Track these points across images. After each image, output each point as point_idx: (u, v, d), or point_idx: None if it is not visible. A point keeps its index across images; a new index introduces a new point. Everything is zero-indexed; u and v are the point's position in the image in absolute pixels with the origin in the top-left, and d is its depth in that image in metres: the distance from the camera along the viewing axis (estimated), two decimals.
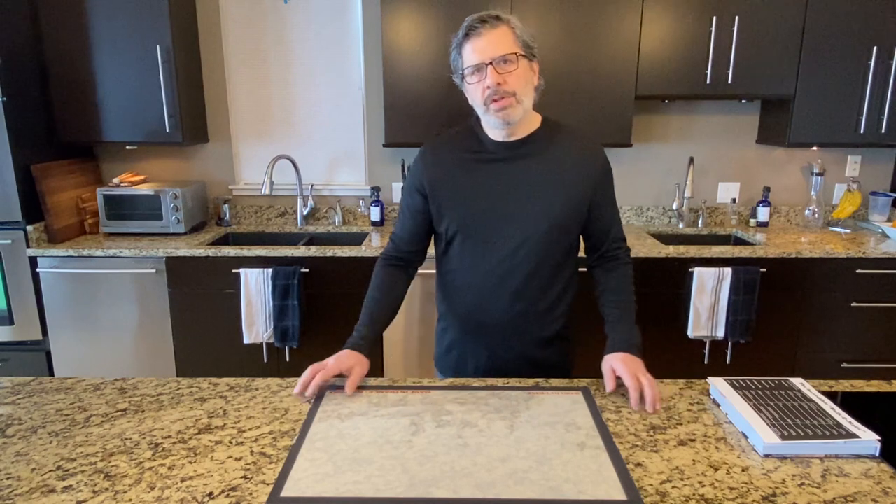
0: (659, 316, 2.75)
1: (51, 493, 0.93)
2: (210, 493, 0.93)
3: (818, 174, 3.14)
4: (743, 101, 3.13)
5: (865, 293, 2.72)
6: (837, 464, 1.01)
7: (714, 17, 2.72)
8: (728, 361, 2.79)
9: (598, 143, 1.45)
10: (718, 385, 1.23)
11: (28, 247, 2.71)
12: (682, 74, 2.79)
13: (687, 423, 1.15)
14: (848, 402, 1.23)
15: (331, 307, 2.75)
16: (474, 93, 1.33)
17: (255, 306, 2.70)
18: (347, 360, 1.29)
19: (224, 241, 3.09)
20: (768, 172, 3.25)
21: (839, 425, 1.07)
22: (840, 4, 2.71)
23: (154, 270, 2.72)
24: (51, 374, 2.86)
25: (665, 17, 2.74)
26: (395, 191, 3.28)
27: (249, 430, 1.12)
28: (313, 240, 3.16)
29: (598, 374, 1.34)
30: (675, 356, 2.79)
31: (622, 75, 2.79)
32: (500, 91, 1.28)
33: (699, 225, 3.25)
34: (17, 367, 2.83)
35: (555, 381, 1.33)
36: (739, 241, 3.10)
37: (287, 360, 2.81)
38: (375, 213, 3.21)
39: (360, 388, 1.29)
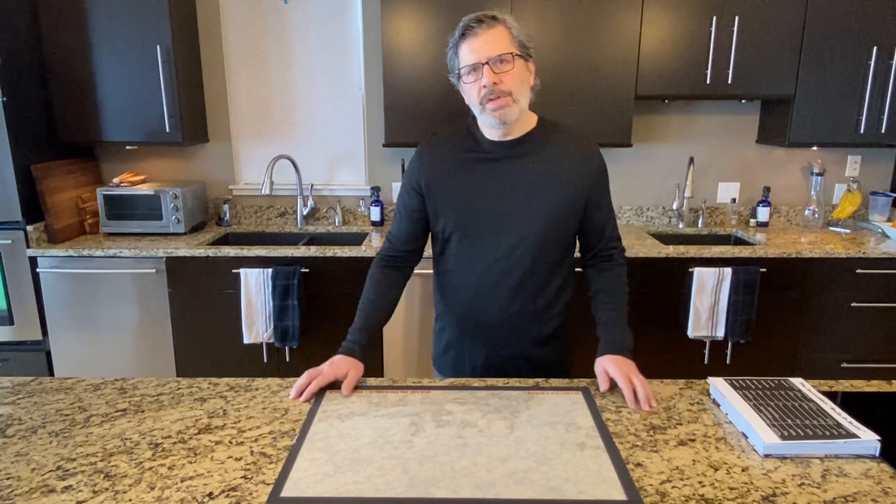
0: (659, 316, 2.75)
1: (51, 493, 0.93)
2: (210, 493, 0.93)
3: (818, 174, 3.14)
4: (743, 101, 3.13)
5: (865, 293, 2.72)
6: (837, 464, 1.01)
7: (714, 17, 2.72)
8: (728, 361, 2.79)
9: (593, 142, 1.45)
10: (718, 385, 1.23)
11: (28, 247, 2.71)
12: (682, 74, 2.79)
13: (687, 423, 1.15)
14: (848, 402, 1.23)
15: (331, 307, 2.75)
16: (470, 92, 1.34)
17: (255, 306, 2.70)
18: (342, 367, 1.29)
19: (224, 241, 3.09)
20: (768, 172, 3.25)
21: (839, 425, 1.07)
22: (840, 4, 2.71)
23: (154, 270, 2.72)
24: (51, 374, 2.86)
25: (665, 17, 2.74)
26: (395, 191, 3.28)
27: (249, 430, 1.12)
28: (313, 240, 3.16)
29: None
30: (675, 356, 2.79)
31: (622, 75, 2.79)
32: (497, 90, 1.29)
33: (699, 225, 3.25)
34: (17, 367, 2.83)
35: (555, 381, 1.33)
36: (739, 241, 3.10)
37: (287, 360, 2.81)
38: (375, 213, 3.21)
39: (360, 388, 1.29)
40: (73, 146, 3.03)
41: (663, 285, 2.72)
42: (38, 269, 2.71)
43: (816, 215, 3.17)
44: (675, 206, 3.24)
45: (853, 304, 2.72)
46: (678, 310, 2.74)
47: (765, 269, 2.67)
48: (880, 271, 2.69)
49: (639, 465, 1.01)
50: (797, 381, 1.26)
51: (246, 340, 2.73)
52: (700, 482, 0.96)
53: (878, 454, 1.03)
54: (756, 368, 2.79)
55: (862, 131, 2.83)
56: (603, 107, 2.82)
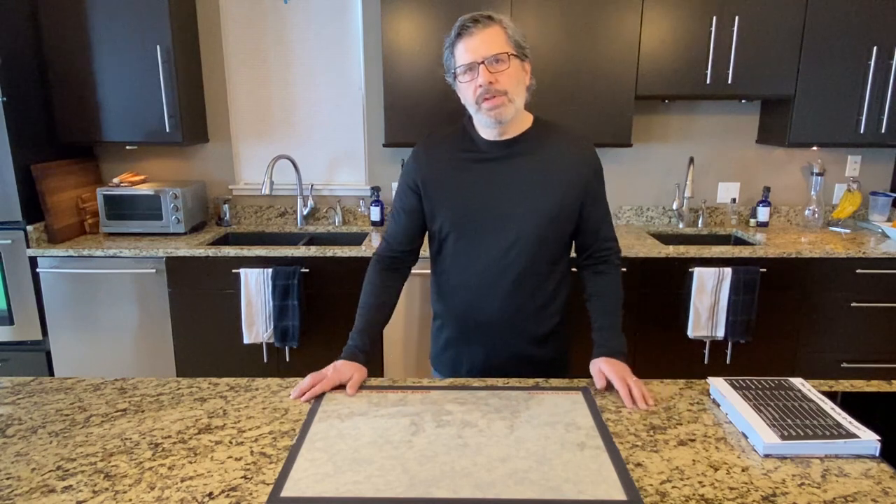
0: (659, 316, 2.75)
1: (51, 493, 0.93)
2: (210, 493, 0.93)
3: (818, 174, 3.14)
4: (743, 101, 3.13)
5: (865, 293, 2.71)
6: (837, 464, 1.01)
7: (714, 17, 2.72)
8: (728, 361, 2.79)
9: (589, 142, 1.46)
10: (718, 385, 1.23)
11: (28, 247, 2.71)
12: (682, 74, 2.79)
13: (687, 423, 1.15)
14: (848, 402, 1.23)
15: (331, 307, 2.75)
16: (466, 92, 1.34)
17: (255, 306, 2.70)
18: (346, 371, 1.29)
19: (224, 241, 3.09)
20: (768, 172, 3.25)
21: (839, 425, 1.07)
22: (840, 4, 2.71)
23: (154, 270, 2.72)
24: (51, 374, 2.86)
25: (665, 17, 2.74)
26: (395, 191, 3.28)
27: (249, 430, 1.12)
28: (313, 240, 3.16)
29: None
30: (675, 356, 2.79)
31: (622, 75, 2.79)
32: (492, 90, 1.30)
33: (699, 225, 3.25)
34: (17, 367, 2.83)
35: (555, 381, 1.33)
36: (739, 241, 3.10)
37: (287, 360, 2.81)
38: (375, 213, 3.21)
39: (361, 387, 1.29)
40: (73, 146, 3.03)
41: (663, 285, 2.72)
42: (38, 269, 2.71)
43: (816, 215, 3.17)
44: (675, 206, 3.24)
45: (853, 304, 2.72)
46: (678, 310, 2.74)
47: (765, 269, 2.66)
48: (880, 271, 2.69)
49: (639, 465, 1.01)
50: (797, 381, 1.26)
51: (246, 340, 2.73)
52: (700, 482, 0.96)
53: (878, 454, 1.03)
54: (756, 368, 2.79)
55: (862, 131, 2.83)
56: (603, 107, 2.82)
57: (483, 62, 1.28)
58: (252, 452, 1.05)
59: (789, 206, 3.27)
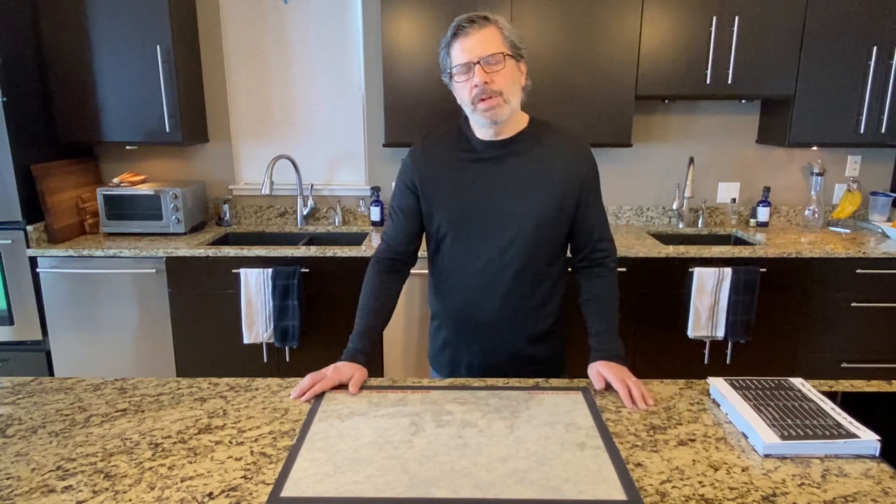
0: (659, 316, 2.75)
1: (51, 493, 0.93)
2: (210, 493, 0.93)
3: (818, 174, 3.14)
4: (743, 101, 3.13)
5: (865, 293, 2.71)
6: (837, 464, 1.01)
7: (714, 17, 2.72)
8: (728, 361, 2.79)
9: (585, 142, 1.46)
10: (718, 385, 1.23)
11: (28, 247, 2.71)
12: (682, 74, 2.79)
13: (687, 423, 1.15)
14: (848, 402, 1.23)
15: (331, 307, 2.75)
16: (462, 92, 1.34)
17: (255, 306, 2.70)
18: (346, 371, 1.29)
19: (224, 241, 3.09)
20: (768, 172, 3.25)
21: (839, 425, 1.07)
22: (840, 4, 2.71)
23: (154, 270, 2.72)
24: (51, 374, 2.86)
25: (665, 17, 2.74)
26: None
27: (249, 430, 1.12)
28: (313, 240, 3.16)
29: None
30: (675, 356, 2.79)
31: (622, 75, 2.79)
32: (488, 90, 1.30)
33: (699, 225, 3.25)
34: (17, 367, 2.83)
35: (555, 382, 1.33)
36: (739, 241, 3.10)
37: (287, 360, 2.81)
38: (375, 213, 3.21)
39: (361, 387, 1.29)
40: (73, 146, 3.03)
41: (663, 285, 2.72)
42: (38, 269, 2.71)
43: (816, 215, 3.17)
44: (675, 206, 3.24)
45: (853, 304, 2.72)
46: (678, 310, 2.74)
47: (765, 269, 2.66)
48: (880, 271, 2.69)
49: (639, 465, 1.01)
50: (797, 381, 1.26)
51: (246, 340, 2.73)
52: (700, 482, 0.96)
53: (878, 454, 1.03)
54: (756, 368, 2.79)
55: (862, 131, 2.83)
56: (603, 107, 2.82)
57: (479, 62, 1.29)
58: (252, 452, 1.05)
59: (789, 206, 3.27)
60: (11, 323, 2.77)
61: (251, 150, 3.26)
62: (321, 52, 3.13)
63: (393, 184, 3.24)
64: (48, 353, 2.83)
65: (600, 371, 1.30)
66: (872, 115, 2.81)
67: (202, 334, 2.78)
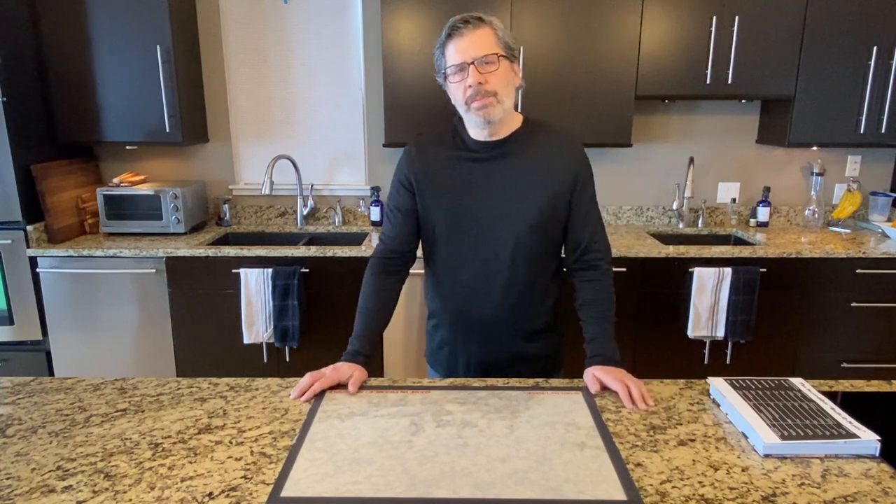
0: (659, 316, 2.75)
1: (51, 493, 0.93)
2: (210, 493, 0.93)
3: (818, 174, 3.14)
4: (743, 101, 3.13)
5: (865, 293, 2.71)
6: (837, 464, 1.01)
7: (714, 17, 2.72)
8: (728, 361, 2.79)
9: (578, 142, 1.46)
10: (718, 385, 1.23)
11: (28, 247, 2.71)
12: (682, 74, 2.79)
13: (687, 423, 1.15)
14: (848, 402, 1.23)
15: (331, 307, 2.75)
16: (456, 92, 1.35)
17: (255, 306, 2.70)
18: (345, 371, 1.30)
19: (224, 241, 3.09)
20: (768, 172, 3.25)
21: (839, 425, 1.07)
22: (840, 4, 2.71)
23: (154, 270, 2.72)
24: (51, 374, 2.86)
25: (665, 17, 2.74)
26: None
27: (249, 430, 1.12)
28: (313, 240, 3.16)
29: None
30: (675, 356, 2.79)
31: (622, 75, 2.79)
32: (482, 91, 1.31)
33: (699, 225, 3.25)
34: (17, 367, 2.83)
35: (555, 382, 1.33)
36: (739, 241, 3.10)
37: (287, 360, 2.81)
38: (375, 213, 3.21)
39: (361, 387, 1.29)
40: (73, 146, 3.03)
41: (663, 285, 2.72)
42: (38, 269, 2.71)
43: (816, 215, 3.17)
44: (675, 206, 3.24)
45: (853, 304, 2.72)
46: (678, 310, 2.74)
47: (765, 269, 2.66)
48: (880, 271, 2.69)
49: (639, 465, 1.01)
50: (797, 381, 1.26)
51: (246, 340, 2.73)
52: (700, 482, 0.96)
53: (878, 454, 1.03)
54: (756, 368, 2.79)
55: (862, 131, 2.83)
56: (603, 107, 2.82)
57: (473, 63, 1.30)
58: (252, 452, 1.05)
59: (789, 206, 3.27)
60: (11, 323, 2.77)
61: (251, 150, 3.26)
62: (321, 52, 3.13)
63: None
64: (48, 353, 2.83)
65: (596, 375, 1.30)
66: (872, 115, 2.81)
67: (202, 334, 2.78)
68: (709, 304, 2.67)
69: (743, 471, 0.99)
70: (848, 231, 3.08)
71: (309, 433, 1.10)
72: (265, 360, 2.81)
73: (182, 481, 0.96)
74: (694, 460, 1.02)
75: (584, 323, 1.43)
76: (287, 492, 0.93)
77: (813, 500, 0.92)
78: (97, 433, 1.10)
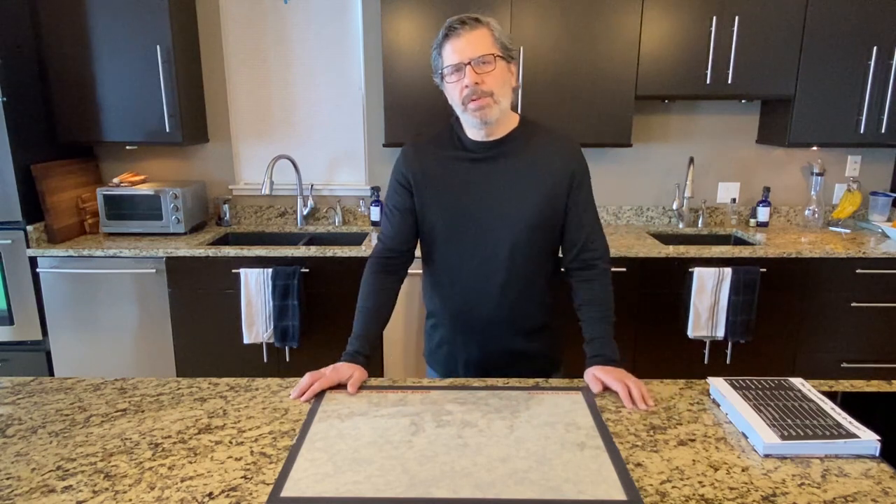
0: (659, 316, 2.75)
1: (51, 493, 0.93)
2: (210, 493, 0.93)
3: (818, 174, 3.14)
4: (743, 101, 3.13)
5: (865, 293, 2.71)
6: (837, 464, 1.01)
7: (714, 17, 2.72)
8: (728, 361, 2.79)
9: (575, 142, 1.47)
10: (718, 385, 1.23)
11: (28, 247, 2.71)
12: (682, 74, 2.79)
13: (687, 423, 1.15)
14: (848, 402, 1.23)
15: (331, 307, 2.75)
16: (453, 92, 1.36)
17: (255, 306, 2.70)
18: (345, 371, 1.30)
19: (224, 241, 3.09)
20: (768, 172, 3.25)
21: (839, 425, 1.07)
22: (840, 4, 2.71)
23: (154, 270, 2.72)
24: (51, 374, 2.86)
25: (665, 18, 2.74)
26: None
27: (249, 430, 1.12)
28: (313, 240, 3.16)
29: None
30: (675, 356, 2.79)
31: (622, 75, 2.79)
32: (478, 91, 1.31)
33: (699, 225, 3.25)
34: (17, 367, 2.83)
35: (555, 381, 1.33)
36: (739, 241, 3.10)
37: (287, 360, 2.81)
38: (375, 213, 3.21)
39: (361, 387, 1.29)
40: (72, 146, 3.03)
41: (663, 285, 2.72)
42: (38, 269, 2.71)
43: (816, 215, 3.17)
44: (675, 206, 3.24)
45: (853, 304, 2.72)
46: (678, 310, 2.74)
47: (765, 269, 2.66)
48: (880, 271, 2.69)
49: (639, 465, 1.01)
50: (797, 381, 1.26)
51: (246, 340, 2.73)
52: (700, 482, 0.96)
53: (878, 454, 1.03)
54: (756, 368, 2.79)
55: (862, 131, 2.83)
56: (603, 107, 2.82)
57: (469, 63, 1.30)
58: (252, 452, 1.05)
59: (789, 206, 3.27)
60: (11, 323, 2.77)
61: (251, 150, 3.26)
62: (321, 52, 3.13)
63: None
64: (48, 353, 2.83)
65: (596, 375, 1.30)
66: (872, 115, 2.81)
67: (202, 334, 2.78)
68: (709, 304, 2.67)
69: (743, 471, 0.99)
70: (848, 231, 3.08)
71: (309, 433, 1.10)
72: (265, 360, 2.81)
73: (182, 481, 0.96)
74: (694, 460, 1.02)
75: (584, 323, 1.43)
76: (287, 492, 0.93)
77: (813, 500, 0.92)
78: (97, 433, 1.10)
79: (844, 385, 1.31)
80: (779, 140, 2.96)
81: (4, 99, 2.57)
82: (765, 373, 2.80)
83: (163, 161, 3.25)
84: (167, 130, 2.86)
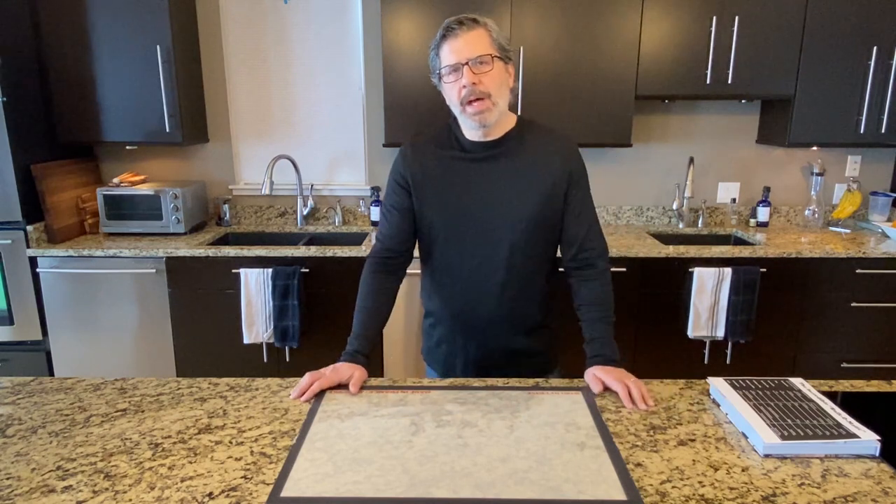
0: (659, 316, 2.75)
1: (51, 493, 0.93)
2: (210, 493, 0.93)
3: (818, 174, 3.14)
4: (743, 101, 3.13)
5: (865, 293, 2.71)
6: (837, 464, 1.01)
7: (714, 17, 2.72)
8: (728, 361, 2.79)
9: (572, 141, 1.47)
10: (718, 385, 1.23)
11: (28, 247, 2.71)
12: (682, 74, 2.79)
13: (687, 423, 1.15)
14: (848, 402, 1.23)
15: (331, 307, 2.75)
16: (451, 92, 1.36)
17: (255, 306, 2.70)
18: (345, 371, 1.30)
19: (224, 241, 3.09)
20: (768, 172, 3.25)
21: (839, 425, 1.07)
22: (840, 4, 2.71)
23: (154, 270, 2.72)
24: (51, 374, 2.86)
25: (665, 17, 2.74)
26: None
27: (249, 430, 1.12)
28: (313, 240, 3.16)
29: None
30: (675, 356, 2.79)
31: (622, 75, 2.79)
32: (476, 91, 1.31)
33: (699, 225, 3.25)
34: (17, 367, 2.83)
35: (555, 381, 1.33)
36: (739, 241, 3.10)
37: (287, 360, 2.81)
38: (375, 213, 3.21)
39: (361, 388, 1.29)
40: (72, 146, 3.03)
41: (663, 285, 2.72)
42: (38, 269, 2.71)
43: (816, 215, 3.17)
44: (675, 206, 3.24)
45: (853, 304, 2.72)
46: (678, 310, 2.74)
47: (765, 269, 2.66)
48: (880, 271, 2.69)
49: (639, 465, 1.01)
50: (797, 381, 1.26)
51: (246, 340, 2.73)
52: (700, 482, 0.96)
53: (878, 454, 1.03)
54: (756, 368, 2.79)
55: (862, 131, 2.83)
56: (603, 107, 2.82)
57: (467, 63, 1.30)
58: (252, 452, 1.05)
59: (789, 206, 3.27)
60: (11, 323, 2.77)
61: (251, 150, 3.26)
62: (321, 52, 3.13)
63: None
64: (48, 353, 2.83)
65: (597, 375, 1.31)
66: (872, 115, 2.81)
67: (202, 334, 2.78)
68: (709, 304, 2.67)
69: (743, 471, 0.99)
70: (848, 231, 3.08)
71: (309, 433, 1.10)
72: (265, 360, 2.81)
73: (182, 481, 0.96)
74: (694, 460, 1.02)
75: (584, 323, 1.43)
76: (287, 492, 0.93)
77: (813, 500, 0.92)
78: (97, 433, 1.10)
79: (844, 385, 1.31)
80: (779, 140, 2.96)
81: (4, 99, 2.57)
82: (765, 373, 2.80)
83: (163, 161, 3.25)
84: (167, 130, 2.87)
